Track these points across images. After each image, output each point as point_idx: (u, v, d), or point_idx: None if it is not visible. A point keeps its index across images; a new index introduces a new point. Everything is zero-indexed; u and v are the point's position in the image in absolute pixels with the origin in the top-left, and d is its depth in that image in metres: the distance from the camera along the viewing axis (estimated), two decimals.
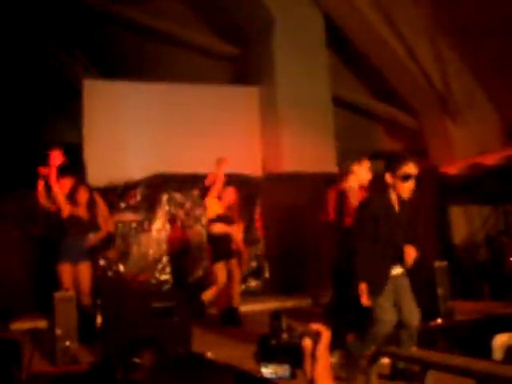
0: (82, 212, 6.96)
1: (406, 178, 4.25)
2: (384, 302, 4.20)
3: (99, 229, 7.18)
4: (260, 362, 1.37)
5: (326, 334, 1.38)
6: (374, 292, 4.18)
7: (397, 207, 4.37)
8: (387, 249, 4.28)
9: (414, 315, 4.28)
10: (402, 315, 4.26)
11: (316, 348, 1.36)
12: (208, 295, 7.25)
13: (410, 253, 4.23)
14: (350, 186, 5.33)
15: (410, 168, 4.27)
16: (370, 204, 4.42)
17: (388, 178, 4.31)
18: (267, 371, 1.36)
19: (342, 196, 5.39)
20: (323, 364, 1.36)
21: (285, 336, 1.37)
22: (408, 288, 4.36)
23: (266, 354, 1.37)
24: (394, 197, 4.36)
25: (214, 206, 7.40)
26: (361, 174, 5.30)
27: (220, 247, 7.30)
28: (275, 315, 1.40)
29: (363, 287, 4.17)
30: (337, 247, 5.37)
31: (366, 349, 4.17)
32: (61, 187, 6.87)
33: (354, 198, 5.25)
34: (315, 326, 1.39)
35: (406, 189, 4.29)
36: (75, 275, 6.76)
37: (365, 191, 5.30)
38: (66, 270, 6.70)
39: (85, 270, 6.85)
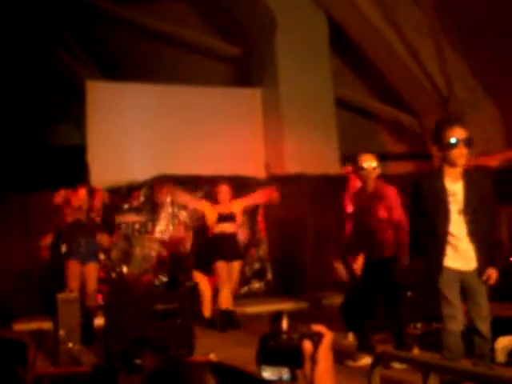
0: (83, 214, 6.90)
1: (453, 144, 3.85)
2: (449, 295, 3.84)
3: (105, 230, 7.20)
4: (260, 363, 1.36)
5: (327, 336, 1.35)
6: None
7: (457, 184, 3.89)
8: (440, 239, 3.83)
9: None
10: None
11: (317, 350, 1.33)
12: (206, 308, 7.19)
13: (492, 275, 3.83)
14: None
15: (456, 132, 3.89)
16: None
17: (435, 151, 3.97)
18: (267, 373, 1.35)
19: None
20: (324, 366, 1.33)
21: (284, 337, 1.34)
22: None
23: (266, 356, 1.35)
24: (449, 171, 3.94)
25: (210, 210, 7.36)
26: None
27: (221, 247, 7.24)
28: (276, 316, 1.38)
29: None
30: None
31: (446, 353, 3.88)
32: (77, 198, 6.91)
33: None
34: (317, 328, 1.36)
35: (457, 156, 3.86)
36: (82, 275, 6.77)
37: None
38: (74, 268, 6.72)
39: (92, 270, 6.84)
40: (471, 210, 3.86)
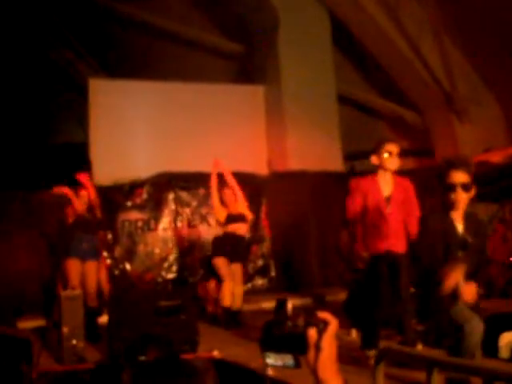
0: (85, 211, 6.90)
1: (450, 188, 3.88)
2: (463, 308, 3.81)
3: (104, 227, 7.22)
4: (264, 350, 1.35)
5: (333, 323, 1.34)
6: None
7: (460, 225, 3.93)
8: None
9: None
10: None
11: (321, 337, 1.32)
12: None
13: (469, 290, 3.80)
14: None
15: (454, 176, 3.87)
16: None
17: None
18: (271, 360, 1.34)
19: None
20: (328, 354, 1.32)
21: (289, 324, 1.33)
22: None
23: (270, 343, 1.34)
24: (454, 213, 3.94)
25: (220, 211, 7.37)
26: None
27: (224, 245, 7.24)
28: (280, 303, 1.37)
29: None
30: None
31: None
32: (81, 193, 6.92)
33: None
34: (322, 315, 1.36)
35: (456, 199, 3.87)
36: (82, 273, 6.76)
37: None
38: (74, 266, 6.69)
39: (92, 269, 6.81)
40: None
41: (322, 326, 1.33)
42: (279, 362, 1.33)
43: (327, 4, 11.45)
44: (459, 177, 3.86)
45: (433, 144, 12.04)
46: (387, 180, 5.21)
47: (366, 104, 12.74)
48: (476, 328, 3.70)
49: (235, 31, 12.02)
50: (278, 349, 1.33)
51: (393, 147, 5.18)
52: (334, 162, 10.76)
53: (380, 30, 11.20)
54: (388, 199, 5.17)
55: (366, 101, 12.73)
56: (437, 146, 11.94)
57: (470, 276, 3.83)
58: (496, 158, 9.52)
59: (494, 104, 11.61)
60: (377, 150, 5.17)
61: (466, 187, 3.87)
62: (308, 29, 11.29)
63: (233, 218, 7.25)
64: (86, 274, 6.76)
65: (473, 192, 3.91)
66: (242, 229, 7.33)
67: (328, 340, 1.33)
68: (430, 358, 3.22)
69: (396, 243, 5.11)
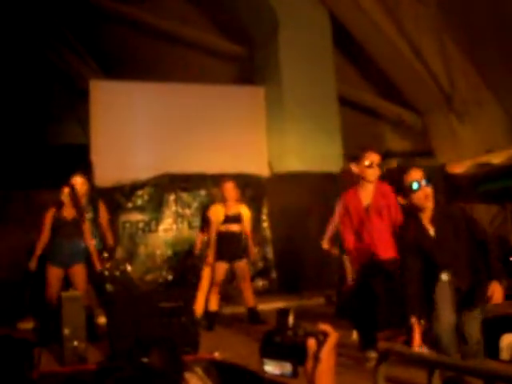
0: (67, 213, 6.65)
1: (413, 187, 3.93)
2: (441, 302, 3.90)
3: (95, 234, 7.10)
4: (263, 357, 1.36)
5: (333, 336, 1.35)
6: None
7: (431, 226, 3.98)
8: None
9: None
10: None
11: (320, 349, 1.34)
12: (199, 305, 7.19)
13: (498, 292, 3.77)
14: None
15: (412, 176, 3.96)
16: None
17: (403, 199, 4.05)
18: (269, 367, 1.36)
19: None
20: (326, 365, 1.33)
21: (290, 333, 1.35)
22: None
23: (270, 351, 1.35)
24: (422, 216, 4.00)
25: (218, 211, 7.34)
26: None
27: (224, 246, 7.24)
28: (282, 312, 1.39)
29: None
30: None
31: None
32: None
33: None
34: (323, 327, 1.37)
35: (419, 197, 3.94)
36: (70, 278, 6.58)
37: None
38: (53, 273, 6.51)
39: (79, 271, 6.60)
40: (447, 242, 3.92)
41: (322, 338, 1.35)
42: (277, 370, 1.35)
43: (327, 5, 11.46)
44: (418, 175, 3.92)
45: (433, 145, 12.05)
46: (367, 189, 5.17)
47: (366, 105, 12.75)
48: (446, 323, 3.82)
49: (236, 33, 12.05)
50: (277, 357, 1.34)
51: (374, 157, 5.11)
52: (335, 163, 10.76)
53: (380, 31, 11.21)
54: (367, 208, 5.14)
55: (366, 102, 12.74)
56: (437, 147, 11.94)
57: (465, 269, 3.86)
58: (497, 159, 9.52)
59: (494, 105, 11.61)
60: (358, 158, 5.14)
61: (427, 181, 3.92)
62: (308, 30, 11.30)
63: (229, 219, 7.24)
64: (74, 278, 6.57)
65: (431, 189, 3.92)
66: (235, 227, 7.32)
67: (327, 351, 1.34)
68: (432, 359, 3.23)
69: (381, 250, 5.08)
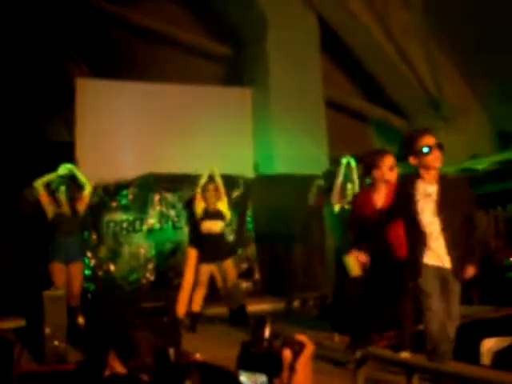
0: (66, 209, 6.82)
1: (423, 151, 4.10)
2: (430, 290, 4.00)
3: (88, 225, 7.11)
4: (239, 368, 1.34)
5: (309, 346, 1.33)
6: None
7: (434, 188, 4.12)
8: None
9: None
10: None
11: (296, 359, 1.31)
12: (181, 306, 7.18)
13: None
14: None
15: (428, 139, 4.13)
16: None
17: (412, 160, 4.19)
18: (244, 378, 1.33)
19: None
20: (302, 377, 1.31)
21: (265, 344, 1.33)
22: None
23: (245, 362, 1.33)
24: (426, 177, 4.16)
25: (200, 204, 7.34)
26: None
27: (208, 247, 7.22)
28: (258, 322, 1.36)
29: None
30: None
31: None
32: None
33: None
34: (299, 337, 1.34)
35: (433, 161, 4.11)
36: (67, 275, 6.67)
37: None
38: (58, 269, 6.60)
39: (77, 270, 6.73)
40: (445, 212, 4.05)
41: (298, 348, 1.32)
42: (252, 382, 1.32)
43: (316, 8, 11.49)
44: (429, 139, 4.12)
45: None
46: (381, 190, 5.20)
47: (353, 109, 12.79)
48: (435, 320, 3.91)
49: (224, 34, 12.04)
50: (253, 368, 1.32)
51: (392, 159, 5.22)
52: (321, 166, 10.77)
53: (368, 35, 11.27)
54: (381, 209, 5.15)
55: (353, 105, 12.78)
56: (411, 159, 11.99)
57: (454, 244, 4.02)
58: (481, 165, 9.59)
59: (480, 111, 11.70)
60: (377, 163, 5.17)
61: (440, 146, 4.11)
62: (296, 32, 11.32)
63: (209, 215, 7.23)
64: (72, 276, 6.66)
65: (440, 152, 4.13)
66: (217, 226, 7.30)
67: (303, 362, 1.31)
68: (410, 363, 3.24)
69: (395, 249, 5.08)
